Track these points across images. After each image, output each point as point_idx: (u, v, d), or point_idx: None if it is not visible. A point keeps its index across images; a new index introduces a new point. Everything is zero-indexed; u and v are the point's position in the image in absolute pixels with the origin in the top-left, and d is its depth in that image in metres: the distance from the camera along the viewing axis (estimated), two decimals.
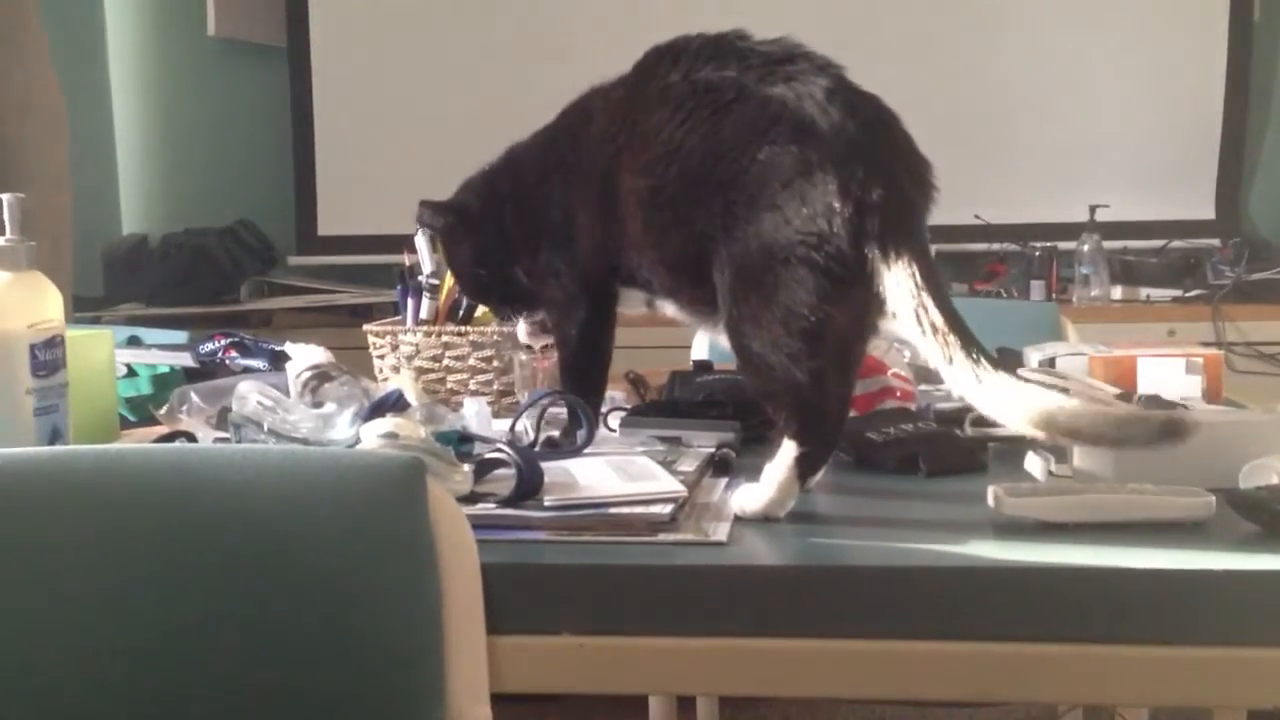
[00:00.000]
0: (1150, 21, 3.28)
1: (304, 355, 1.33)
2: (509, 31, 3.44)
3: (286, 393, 1.28)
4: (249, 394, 1.20)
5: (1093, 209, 3.03)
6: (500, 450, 1.12)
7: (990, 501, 1.04)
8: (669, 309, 1.24)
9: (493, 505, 1.06)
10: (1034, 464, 1.19)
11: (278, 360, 1.58)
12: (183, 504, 0.88)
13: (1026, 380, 1.03)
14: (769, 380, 1.08)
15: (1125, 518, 1.02)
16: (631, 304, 1.30)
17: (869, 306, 1.06)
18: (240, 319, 3.14)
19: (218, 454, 0.93)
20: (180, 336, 1.95)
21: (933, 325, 1.01)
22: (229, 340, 1.73)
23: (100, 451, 0.92)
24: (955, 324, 1.01)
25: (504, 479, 1.09)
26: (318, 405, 1.24)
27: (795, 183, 1.05)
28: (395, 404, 1.23)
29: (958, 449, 1.26)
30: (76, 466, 0.89)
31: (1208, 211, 3.27)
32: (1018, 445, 1.25)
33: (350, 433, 1.18)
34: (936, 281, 1.02)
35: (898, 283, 1.02)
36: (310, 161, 3.54)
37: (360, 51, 3.51)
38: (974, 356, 1.00)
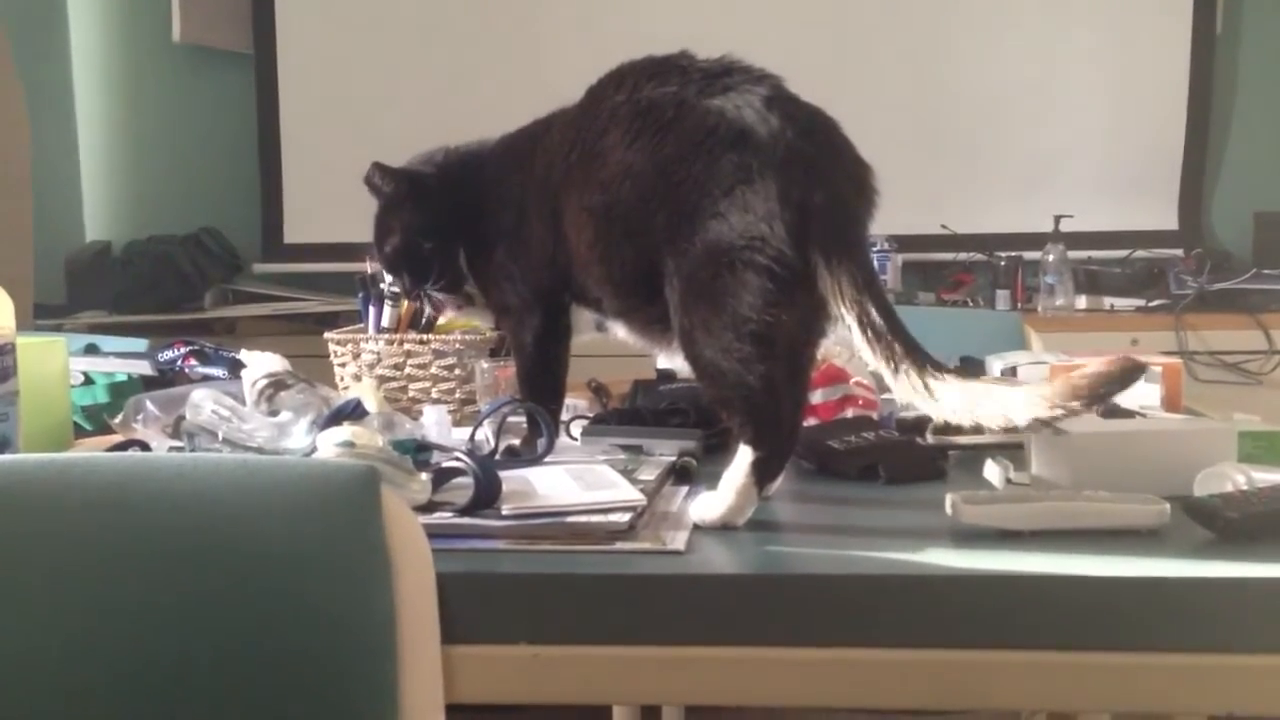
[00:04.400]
0: (1114, 34, 3.31)
1: (260, 363, 1.32)
2: (477, 41, 3.43)
3: (243, 401, 1.27)
4: (203, 402, 1.19)
5: (1057, 219, 3.05)
6: (458, 459, 1.11)
7: (948, 509, 1.04)
8: (621, 331, 1.24)
9: (450, 514, 1.05)
10: (993, 472, 1.19)
11: (237, 368, 1.56)
12: (129, 514, 0.87)
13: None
14: (722, 387, 1.08)
15: (1082, 525, 1.02)
16: (583, 328, 1.30)
17: (815, 309, 1.07)
18: (204, 327, 3.11)
19: (166, 463, 0.92)
20: (140, 344, 1.92)
21: (874, 329, 1.02)
22: (189, 348, 1.71)
23: (45, 461, 0.90)
24: (895, 327, 1.02)
25: (462, 488, 1.08)
26: (273, 414, 1.22)
27: (737, 189, 1.06)
28: (353, 412, 1.22)
29: (918, 457, 1.27)
30: (20, 476, 0.88)
31: (1171, 222, 3.30)
32: (978, 453, 1.25)
33: (306, 441, 1.17)
34: (877, 286, 1.04)
35: (839, 286, 1.03)
36: (276, 168, 3.51)
37: (327, 59, 3.49)
38: (919, 361, 1.01)
